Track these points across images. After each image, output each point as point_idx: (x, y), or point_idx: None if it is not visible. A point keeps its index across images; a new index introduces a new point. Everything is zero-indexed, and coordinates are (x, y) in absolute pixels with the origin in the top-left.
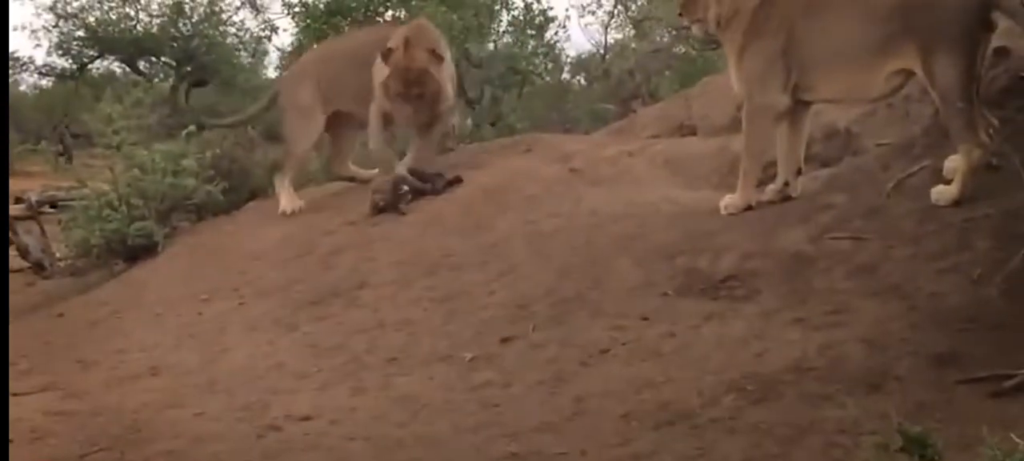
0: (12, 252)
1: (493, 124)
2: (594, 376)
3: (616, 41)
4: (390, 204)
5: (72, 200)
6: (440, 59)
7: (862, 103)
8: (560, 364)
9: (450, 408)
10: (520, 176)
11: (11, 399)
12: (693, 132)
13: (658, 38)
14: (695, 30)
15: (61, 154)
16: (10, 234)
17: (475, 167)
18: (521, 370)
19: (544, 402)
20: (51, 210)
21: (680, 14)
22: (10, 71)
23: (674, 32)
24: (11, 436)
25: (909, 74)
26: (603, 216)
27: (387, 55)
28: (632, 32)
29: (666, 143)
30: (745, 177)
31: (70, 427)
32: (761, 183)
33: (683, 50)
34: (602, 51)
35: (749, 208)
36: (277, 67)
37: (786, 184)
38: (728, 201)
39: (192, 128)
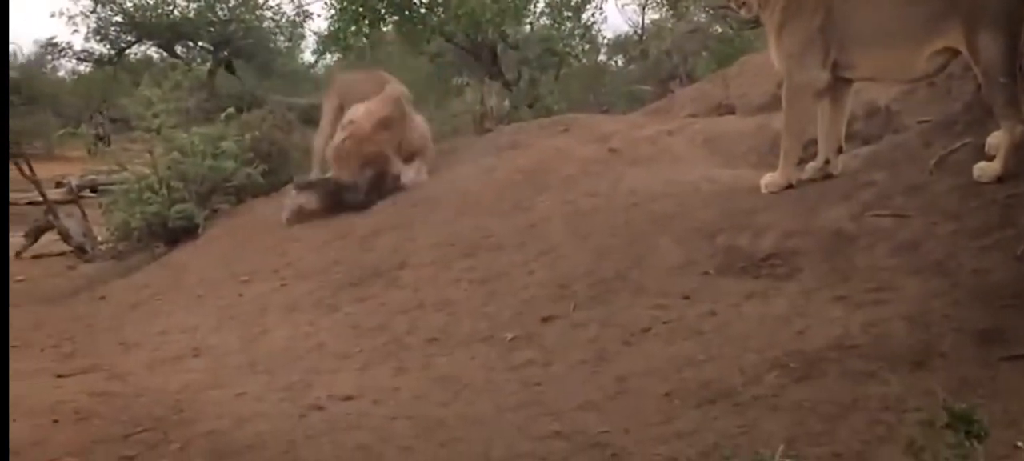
0: (54, 236)
1: (530, 106)
2: (636, 355)
3: (653, 22)
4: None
5: (112, 184)
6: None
7: (904, 82)
8: (601, 343)
9: (491, 388)
10: (558, 156)
11: (56, 380)
12: (731, 111)
13: (695, 18)
14: (743, 13)
15: (99, 138)
16: (51, 218)
17: (513, 147)
18: (562, 349)
19: (586, 381)
20: (91, 194)
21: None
22: (50, 57)
23: (711, 12)
24: (56, 417)
25: (953, 53)
26: (642, 195)
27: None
28: (669, 12)
29: (705, 122)
30: (786, 155)
31: (114, 408)
32: (802, 161)
33: (720, 30)
34: (639, 32)
35: (790, 186)
36: (313, 52)
37: (827, 162)
38: (769, 179)
39: (231, 111)
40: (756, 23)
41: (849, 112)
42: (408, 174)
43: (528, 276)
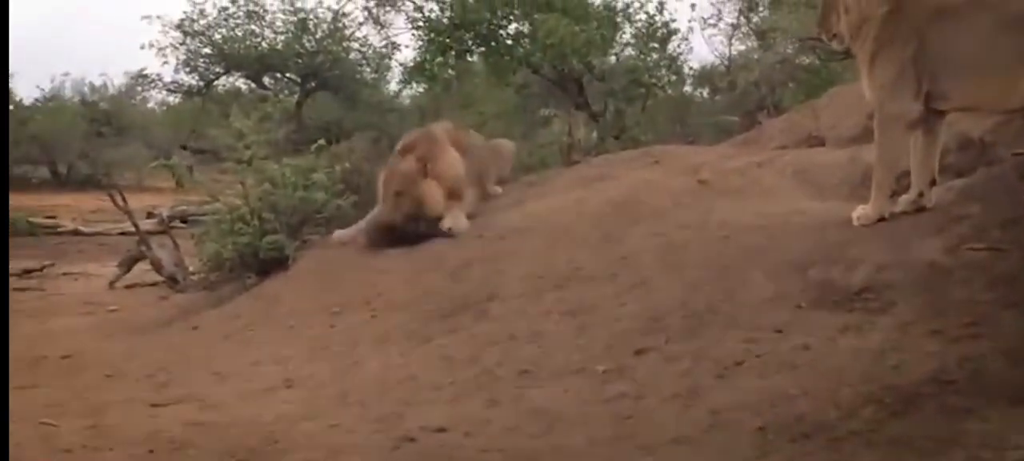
0: (146, 266)
1: (617, 137)
2: (729, 389)
3: (740, 53)
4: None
5: (203, 215)
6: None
7: (999, 113)
8: (694, 377)
9: (584, 420)
10: (648, 188)
11: (150, 410)
12: (821, 143)
13: (782, 49)
14: (834, 44)
15: (189, 169)
16: (143, 248)
17: (602, 179)
18: (655, 382)
19: (679, 415)
20: (182, 225)
21: (819, 32)
22: (140, 88)
23: (798, 43)
24: (152, 447)
25: None
26: (733, 228)
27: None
28: (756, 43)
29: (795, 154)
30: (878, 188)
31: (208, 438)
32: (894, 194)
33: (807, 61)
34: (726, 63)
35: (882, 219)
36: (399, 82)
37: (920, 195)
38: (861, 212)
39: (322, 142)
40: (845, 54)
41: (942, 144)
42: (446, 221)
43: (620, 308)
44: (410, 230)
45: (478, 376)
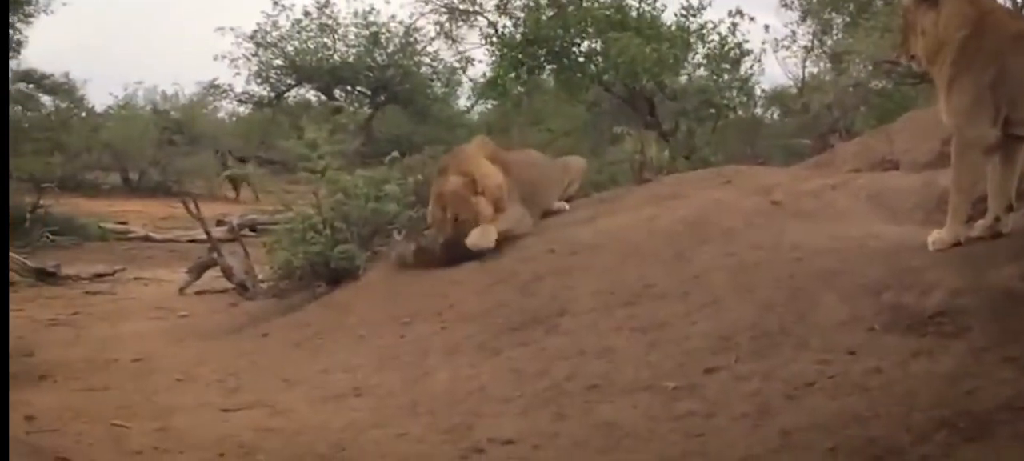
0: (215, 273)
1: (687, 157)
2: (800, 409)
3: (812, 75)
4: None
5: (273, 224)
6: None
7: None
8: (764, 396)
9: (653, 437)
10: (720, 208)
11: (221, 415)
12: (895, 167)
13: (856, 72)
14: (913, 66)
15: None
16: (214, 255)
17: (674, 197)
18: (725, 401)
19: (749, 434)
20: (251, 233)
21: (897, 54)
22: (211, 98)
23: (872, 67)
24: (222, 451)
25: None
26: (806, 250)
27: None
28: (829, 66)
29: (868, 177)
30: (954, 212)
31: (277, 443)
32: (970, 219)
33: (880, 85)
34: (798, 85)
35: (957, 244)
36: (469, 98)
37: (997, 220)
38: (936, 237)
39: (395, 155)
40: (921, 79)
41: (1020, 170)
42: (471, 236)
43: (690, 327)
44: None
45: (547, 390)
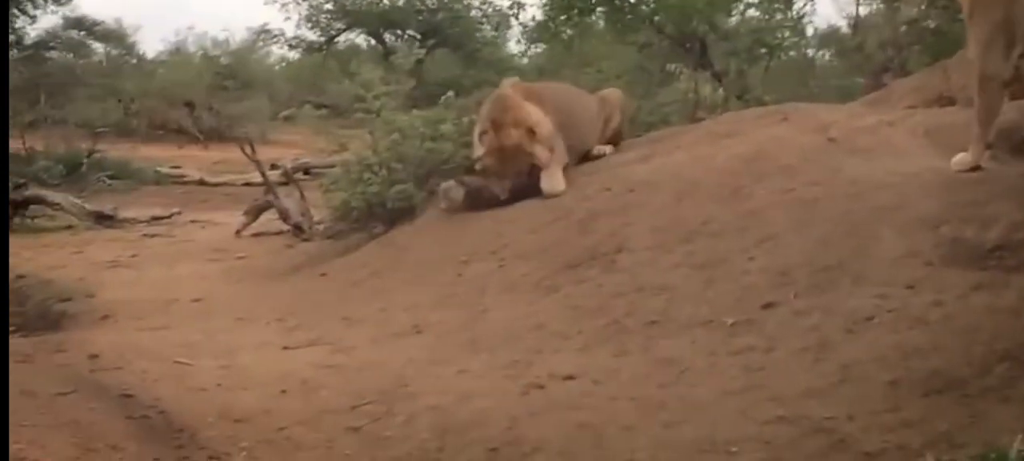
0: (271, 215)
1: (739, 97)
2: (859, 343)
3: (866, 14)
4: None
5: (326, 167)
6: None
7: None
8: (823, 331)
9: (713, 371)
10: (777, 145)
11: (282, 352)
12: (951, 102)
13: (909, 11)
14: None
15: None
16: (270, 198)
17: (730, 135)
18: (784, 336)
19: (809, 368)
20: (304, 177)
21: None
22: (261, 43)
23: (925, 5)
24: (284, 387)
25: None
26: (863, 185)
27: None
28: (882, 4)
29: (925, 113)
30: (975, 139)
31: (339, 380)
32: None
33: (933, 25)
34: (852, 24)
35: (977, 168)
36: (519, 41)
37: None
38: (959, 158)
39: (450, 94)
40: None
41: None
42: (544, 181)
43: (748, 262)
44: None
45: (606, 326)
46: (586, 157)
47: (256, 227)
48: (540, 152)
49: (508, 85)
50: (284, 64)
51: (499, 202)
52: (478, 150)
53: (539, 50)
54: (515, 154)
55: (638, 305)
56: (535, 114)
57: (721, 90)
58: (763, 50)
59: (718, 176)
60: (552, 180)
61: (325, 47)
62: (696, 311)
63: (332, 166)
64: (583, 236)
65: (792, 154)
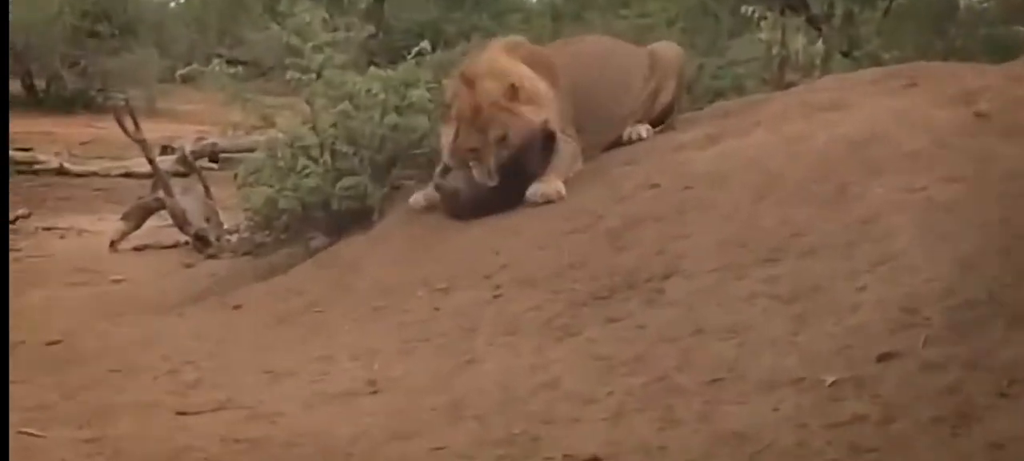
0: (163, 220)
1: (846, 53)
2: (1017, 413)
3: None
4: None
5: (246, 150)
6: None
7: None
8: (966, 394)
9: (805, 453)
10: (900, 122)
11: (176, 419)
12: None
13: None
14: None
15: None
16: (160, 195)
17: (833, 108)
18: (908, 401)
19: (942, 448)
20: (211, 165)
21: None
22: None
23: None
24: None
25: None
26: None
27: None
28: None
29: None
30: None
31: (260, 459)
32: None
33: None
34: None
35: None
36: None
37: None
38: None
39: (424, 46)
40: None
41: None
42: (535, 190)
43: (857, 294)
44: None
45: (647, 385)
46: (616, 142)
47: (140, 237)
48: (524, 117)
49: (499, 47)
50: (182, 1)
51: (495, 206)
52: (446, 140)
53: None
54: (496, 117)
55: (696, 355)
56: (522, 69)
57: (820, 43)
58: None
59: (815, 168)
60: (545, 185)
61: None
62: (780, 364)
63: (252, 149)
64: (616, 254)
65: (922, 136)
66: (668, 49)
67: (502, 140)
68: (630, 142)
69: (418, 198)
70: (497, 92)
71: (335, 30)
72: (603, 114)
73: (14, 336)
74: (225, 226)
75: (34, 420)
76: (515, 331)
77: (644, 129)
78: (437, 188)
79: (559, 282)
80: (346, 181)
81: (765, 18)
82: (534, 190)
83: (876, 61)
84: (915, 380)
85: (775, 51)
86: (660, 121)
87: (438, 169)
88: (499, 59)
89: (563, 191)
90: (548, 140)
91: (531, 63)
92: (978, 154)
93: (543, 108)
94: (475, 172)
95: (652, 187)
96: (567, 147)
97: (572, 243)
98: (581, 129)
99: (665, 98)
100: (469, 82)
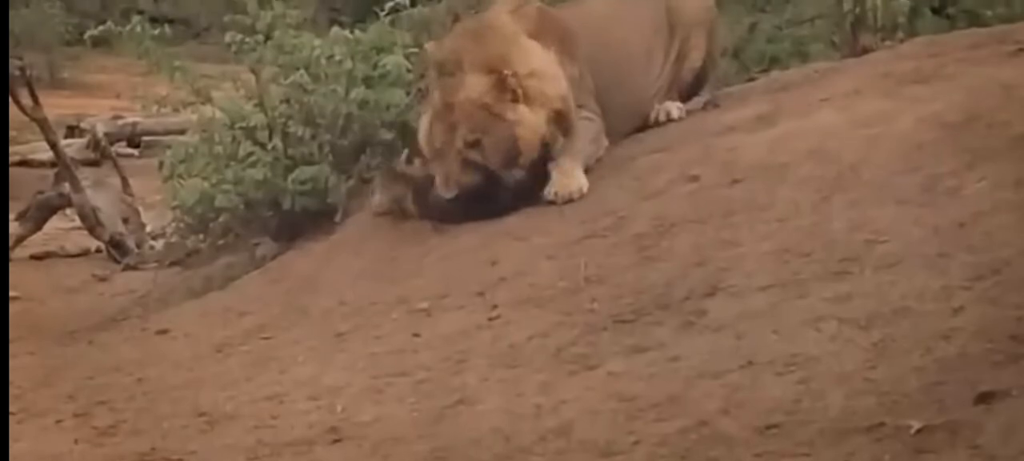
0: (69, 220)
1: (937, 9)
2: None
3: None
4: None
5: (174, 132)
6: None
7: None
8: None
9: None
10: (1006, 99)
11: None
12: None
13: None
14: None
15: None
16: (65, 189)
17: (918, 80)
18: (1013, 453)
19: None
20: (130, 150)
21: None
22: None
23: None
24: None
25: None
26: None
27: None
28: None
29: None
30: None
31: None
32: None
33: None
34: None
35: None
36: None
37: None
38: None
39: (399, 1)
40: None
41: None
42: (552, 182)
43: (952, 316)
44: (491, 193)
45: (684, 432)
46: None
47: (40, 242)
48: (525, 121)
49: (502, 8)
50: None
51: (484, 205)
52: (423, 127)
53: None
54: (471, 117)
55: (745, 394)
56: (531, 57)
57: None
58: None
59: (895, 155)
60: (565, 177)
61: None
62: (854, 404)
63: (182, 132)
64: (644, 266)
65: None
66: (695, 5)
67: (473, 146)
68: (658, 124)
69: (381, 199)
70: (481, 85)
71: None
72: (625, 92)
73: None
74: (148, 229)
75: None
76: (516, 363)
77: (676, 108)
78: (400, 177)
79: (572, 301)
80: (301, 172)
81: None
82: (549, 187)
83: (977, 21)
84: (1021, 426)
85: (847, 6)
86: (692, 93)
87: (405, 154)
88: (495, 31)
89: (585, 186)
90: (539, 162)
91: (541, 32)
92: None
93: (543, 110)
94: (437, 177)
95: (690, 181)
96: (589, 127)
97: (589, 252)
98: (608, 96)
99: (694, 61)
100: (444, 67)
